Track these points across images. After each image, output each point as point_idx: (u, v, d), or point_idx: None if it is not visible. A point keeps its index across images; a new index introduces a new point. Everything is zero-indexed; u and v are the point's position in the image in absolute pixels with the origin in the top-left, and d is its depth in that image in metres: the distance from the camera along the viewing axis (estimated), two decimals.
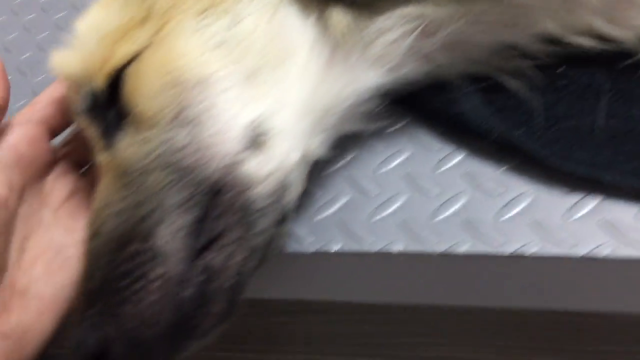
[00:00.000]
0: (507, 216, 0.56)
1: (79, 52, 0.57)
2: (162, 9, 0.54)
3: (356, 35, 0.56)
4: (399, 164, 0.63)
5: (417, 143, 0.63)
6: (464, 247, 0.55)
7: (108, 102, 0.56)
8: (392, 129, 0.65)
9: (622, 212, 0.53)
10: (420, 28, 0.56)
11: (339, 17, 0.55)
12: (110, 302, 0.50)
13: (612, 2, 0.56)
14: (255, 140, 0.53)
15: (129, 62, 0.54)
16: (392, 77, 0.59)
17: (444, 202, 0.58)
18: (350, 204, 0.61)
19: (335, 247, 0.59)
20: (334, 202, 0.62)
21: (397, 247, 0.57)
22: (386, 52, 0.57)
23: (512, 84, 0.60)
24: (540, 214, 0.55)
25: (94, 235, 0.53)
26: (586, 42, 0.58)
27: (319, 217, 0.61)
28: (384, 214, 0.60)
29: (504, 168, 0.59)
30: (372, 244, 0.58)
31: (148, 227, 0.51)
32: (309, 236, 0.60)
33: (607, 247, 0.51)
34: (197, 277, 0.50)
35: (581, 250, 0.52)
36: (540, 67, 0.59)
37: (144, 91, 0.53)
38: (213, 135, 0.52)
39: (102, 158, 0.57)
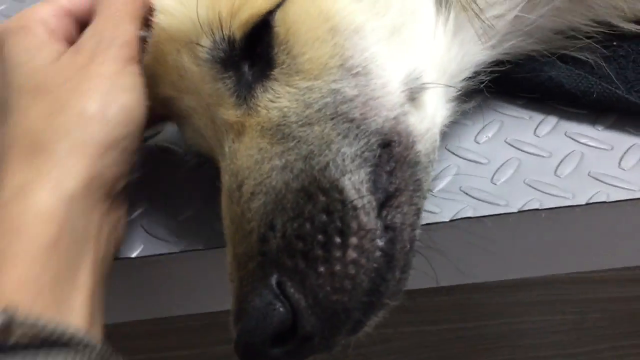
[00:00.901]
0: (631, 164, 0.57)
1: (185, 7, 0.50)
2: None
3: (469, 6, 0.56)
4: (496, 133, 0.62)
5: (505, 114, 0.63)
6: (604, 196, 0.55)
7: (244, 53, 0.50)
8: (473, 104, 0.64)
9: None
10: (522, 4, 0.57)
11: None
12: (295, 266, 0.43)
13: None
14: (413, 95, 0.52)
15: (274, 9, 0.49)
16: (495, 53, 0.60)
17: (562, 160, 0.59)
18: (465, 172, 0.59)
19: (469, 213, 0.56)
20: (447, 174, 0.59)
21: (534, 204, 0.56)
22: (494, 25, 0.57)
23: (582, 55, 0.63)
24: None
25: (251, 194, 0.46)
26: (634, 27, 0.63)
27: (441, 186, 0.58)
28: (505, 177, 0.58)
29: (601, 128, 0.61)
30: (510, 205, 0.56)
31: (331, 179, 0.46)
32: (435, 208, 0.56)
33: None
34: (385, 236, 0.46)
35: None
36: (598, 43, 0.64)
37: (302, 39, 0.49)
38: (380, 87, 0.50)
39: (231, 114, 0.50)
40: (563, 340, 0.93)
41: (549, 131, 0.62)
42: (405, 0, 0.53)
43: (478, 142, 0.61)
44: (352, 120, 0.48)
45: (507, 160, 0.59)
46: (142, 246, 0.57)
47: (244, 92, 0.50)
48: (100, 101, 0.49)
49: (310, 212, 0.45)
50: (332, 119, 0.48)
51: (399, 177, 0.48)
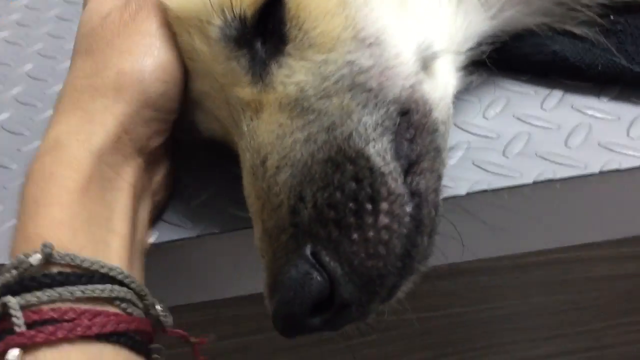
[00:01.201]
0: (638, 133, 0.58)
1: None
2: None
3: None
4: (504, 109, 0.62)
5: (511, 90, 0.64)
6: (616, 164, 0.56)
7: (256, 30, 0.50)
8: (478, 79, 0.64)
9: None
10: None
11: None
12: (329, 235, 0.43)
13: None
14: (425, 64, 0.52)
15: None
16: (496, 23, 0.60)
17: (571, 132, 0.59)
18: (476, 147, 0.59)
19: (484, 186, 0.56)
20: (458, 149, 0.59)
21: (547, 175, 0.56)
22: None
23: (581, 30, 0.64)
24: None
25: (277, 169, 0.46)
26: None
27: (453, 162, 0.58)
28: (517, 150, 0.58)
29: (606, 99, 0.62)
30: (524, 177, 0.56)
31: (357, 148, 0.46)
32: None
33: None
34: (412, 201, 0.46)
35: None
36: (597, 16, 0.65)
37: (314, 13, 0.49)
38: (394, 57, 0.50)
39: (247, 92, 0.50)
40: (563, 321, 0.93)
41: (556, 104, 0.62)
42: None
43: (487, 118, 0.62)
44: (369, 90, 0.48)
45: (517, 134, 0.60)
46: (157, 233, 0.56)
47: (259, 69, 0.50)
48: (137, 59, 0.51)
49: (340, 181, 0.45)
50: (350, 90, 0.48)
51: (419, 144, 0.49)
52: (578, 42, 0.64)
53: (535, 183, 0.56)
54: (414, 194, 0.47)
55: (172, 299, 0.53)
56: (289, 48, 0.49)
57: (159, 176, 0.56)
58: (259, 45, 0.50)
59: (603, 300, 0.95)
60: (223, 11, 0.49)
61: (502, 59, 0.64)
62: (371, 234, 0.43)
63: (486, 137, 0.60)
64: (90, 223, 0.47)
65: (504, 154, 0.58)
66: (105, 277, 0.45)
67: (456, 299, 0.91)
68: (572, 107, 0.62)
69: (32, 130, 0.72)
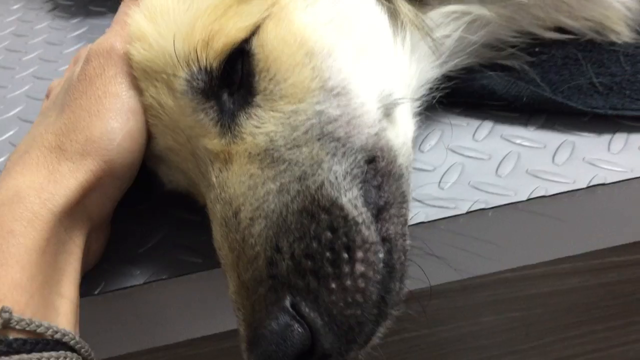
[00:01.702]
0: (563, 159, 0.62)
1: (165, 34, 0.51)
2: None
3: (421, 25, 0.59)
4: (438, 141, 0.65)
5: (444, 122, 0.67)
6: (543, 190, 0.59)
7: (222, 82, 0.51)
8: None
9: None
10: (465, 24, 0.62)
11: (404, 8, 0.59)
12: (307, 285, 0.44)
13: (570, 4, 0.68)
14: (387, 111, 0.54)
15: (249, 37, 0.50)
16: (445, 69, 0.64)
17: (501, 161, 0.62)
18: (413, 180, 0.62)
19: (421, 218, 0.58)
20: None
21: (480, 205, 0.59)
22: (443, 43, 0.61)
23: (510, 62, 0.68)
24: (583, 151, 0.62)
25: (250, 220, 0.47)
26: (553, 36, 0.69)
27: None
28: (452, 181, 0.61)
29: (533, 128, 0.65)
30: (458, 207, 0.59)
31: (330, 197, 0.47)
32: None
33: None
34: (384, 248, 0.48)
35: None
36: (522, 50, 0.69)
37: (284, 65, 0.50)
38: (360, 106, 0.52)
39: (216, 144, 0.51)
40: (513, 338, 0.96)
41: (487, 135, 0.65)
42: (366, 21, 0.56)
43: (422, 151, 0.65)
44: (338, 139, 0.50)
45: (452, 166, 0.63)
46: (103, 282, 0.57)
47: (227, 121, 0.51)
48: (106, 126, 0.52)
49: (316, 231, 0.46)
50: (319, 139, 0.49)
51: (386, 190, 0.50)
52: (504, 75, 0.67)
53: (469, 212, 0.58)
54: (385, 240, 0.48)
55: (122, 346, 0.54)
56: (258, 99, 0.51)
57: (100, 240, 0.57)
58: (225, 96, 0.51)
59: (549, 315, 0.98)
60: (189, 63, 0.50)
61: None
62: (349, 282, 0.44)
63: (422, 170, 0.63)
64: (44, 286, 0.47)
65: (439, 185, 0.61)
66: (58, 343, 0.45)
67: (409, 324, 0.93)
68: (501, 136, 0.65)
69: None
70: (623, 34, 0.69)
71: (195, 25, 0.50)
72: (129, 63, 0.53)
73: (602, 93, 0.66)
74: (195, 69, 0.50)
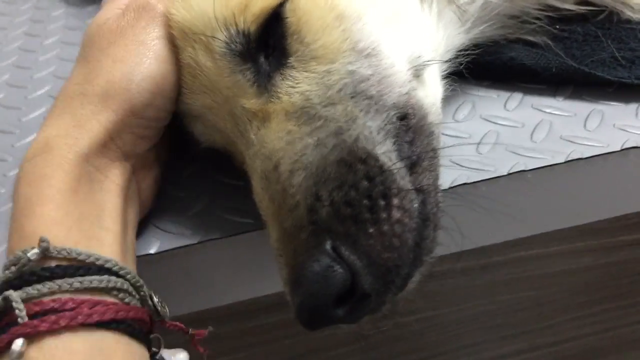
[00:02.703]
0: (594, 126, 0.64)
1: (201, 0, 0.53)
2: None
3: None
4: (471, 111, 0.67)
5: (475, 95, 0.69)
6: (579, 154, 0.61)
7: (259, 44, 0.52)
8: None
9: None
10: None
11: None
12: (347, 230, 0.46)
13: None
14: (417, 73, 0.56)
15: (283, 1, 0.52)
16: (470, 36, 0.66)
17: (535, 128, 0.65)
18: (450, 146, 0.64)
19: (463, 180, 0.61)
20: None
21: (519, 167, 0.61)
22: (467, 10, 0.63)
23: (534, 38, 0.70)
24: (613, 118, 0.65)
25: (290, 172, 0.49)
26: (574, 7, 0.71)
27: None
28: (488, 147, 0.63)
29: (561, 98, 0.68)
30: (498, 170, 0.61)
31: (365, 149, 0.49)
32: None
33: None
34: (418, 198, 0.49)
35: None
36: (544, 25, 0.71)
37: (314, 27, 0.52)
38: (390, 66, 0.54)
39: (253, 103, 0.52)
40: (526, 318, 0.98)
41: (517, 105, 0.68)
42: None
43: (457, 120, 0.67)
44: (370, 97, 0.52)
45: (487, 133, 0.65)
46: (158, 242, 0.58)
47: (264, 81, 0.52)
48: (127, 69, 0.53)
49: (353, 180, 0.47)
50: (353, 97, 0.51)
51: (418, 145, 0.52)
52: (531, 48, 0.70)
53: (509, 174, 0.60)
54: (419, 191, 0.50)
55: (176, 307, 0.55)
56: (292, 61, 0.52)
57: (148, 180, 0.58)
58: (262, 58, 0.53)
59: (562, 295, 1.01)
60: (227, 27, 0.52)
61: (465, 67, 0.69)
62: (386, 227, 0.46)
63: (459, 137, 0.65)
64: (83, 221, 0.49)
65: (477, 151, 0.63)
66: (102, 269, 0.47)
67: (426, 303, 0.95)
68: (532, 106, 0.67)
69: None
70: (638, 9, 0.72)
71: None
72: (161, 17, 0.55)
73: (624, 66, 0.69)
74: (233, 31, 0.52)
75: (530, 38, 0.70)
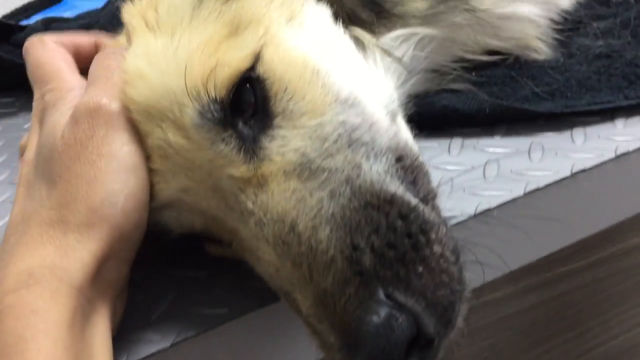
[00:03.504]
0: (539, 157, 0.66)
1: (166, 72, 0.50)
2: (254, 18, 0.54)
3: (380, 48, 0.63)
4: None
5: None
6: (540, 182, 0.62)
7: (234, 110, 0.50)
8: None
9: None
10: (415, 44, 0.66)
11: (362, 35, 0.63)
12: (397, 274, 0.44)
13: (492, 24, 0.75)
14: (392, 117, 0.58)
15: (253, 64, 0.51)
16: (405, 90, 0.67)
17: (484, 167, 0.65)
18: None
19: None
20: None
21: (484, 206, 0.61)
22: (402, 62, 0.65)
23: (456, 87, 0.73)
24: (553, 147, 0.67)
25: (313, 228, 0.46)
26: (486, 58, 0.75)
27: None
28: (446, 193, 0.63)
29: (499, 137, 0.69)
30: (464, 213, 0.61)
31: (386, 192, 0.48)
32: None
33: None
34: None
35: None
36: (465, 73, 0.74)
37: (298, 85, 0.51)
38: (373, 113, 0.55)
39: (244, 171, 0.50)
40: None
41: (460, 150, 0.68)
42: (342, 45, 0.60)
43: None
44: (366, 144, 0.51)
45: (440, 180, 0.64)
46: (126, 354, 0.51)
47: (251, 146, 0.50)
48: (105, 191, 0.49)
49: (387, 221, 0.46)
50: (349, 146, 0.51)
51: (420, 185, 0.52)
52: (460, 94, 0.71)
53: (475, 215, 0.60)
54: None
55: None
56: (278, 120, 0.51)
57: (121, 300, 0.53)
58: (240, 124, 0.50)
59: (515, 338, 1.01)
60: (197, 97, 0.49)
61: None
62: (433, 264, 0.44)
63: None
64: (79, 358, 0.44)
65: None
66: None
67: None
68: (474, 148, 0.68)
69: None
70: (541, 51, 0.76)
71: (192, 63, 0.50)
72: (119, 119, 0.51)
73: (547, 99, 0.71)
74: (205, 100, 0.49)
75: (454, 87, 0.72)
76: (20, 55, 0.91)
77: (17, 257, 0.47)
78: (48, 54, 0.57)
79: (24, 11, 1.11)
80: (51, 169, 0.50)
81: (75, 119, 0.51)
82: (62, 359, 0.43)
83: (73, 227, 0.48)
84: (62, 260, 0.47)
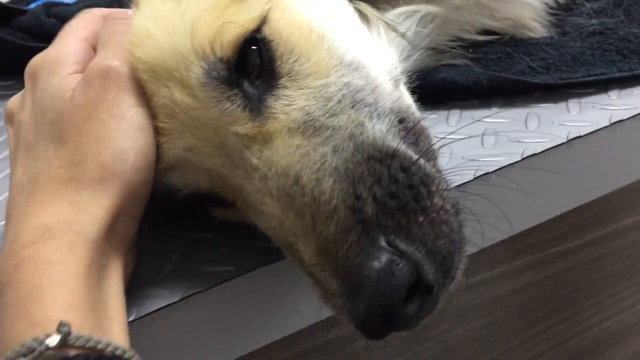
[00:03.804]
0: (535, 125, 0.67)
1: (173, 32, 0.51)
2: None
3: (385, 22, 0.65)
4: None
5: None
6: (536, 148, 0.64)
7: (239, 70, 0.52)
8: None
9: None
10: (417, 20, 0.68)
11: (368, 10, 0.65)
12: (398, 223, 0.45)
13: (489, 5, 0.77)
14: (395, 84, 0.60)
15: (259, 26, 0.52)
16: (411, 61, 0.69)
17: (482, 136, 0.67)
18: None
19: None
20: None
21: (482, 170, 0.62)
22: (405, 36, 0.67)
23: (454, 62, 0.74)
24: (549, 117, 0.68)
25: (317, 180, 0.48)
26: (482, 37, 0.77)
27: None
28: (445, 160, 0.64)
29: (496, 109, 0.71)
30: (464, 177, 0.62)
31: (389, 146, 0.50)
32: None
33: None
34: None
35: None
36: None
37: (304, 47, 0.53)
38: (376, 77, 0.57)
39: (249, 128, 0.51)
40: (483, 347, 0.98)
41: (458, 120, 0.70)
42: (348, 15, 0.62)
43: None
44: (369, 105, 0.53)
45: (439, 148, 0.65)
46: (135, 309, 0.52)
47: (256, 104, 0.51)
48: (116, 148, 0.50)
49: (389, 173, 0.47)
50: (353, 106, 0.52)
51: (421, 145, 0.54)
52: (458, 67, 0.73)
53: (475, 178, 0.61)
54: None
55: None
56: (283, 81, 0.52)
57: (131, 256, 0.54)
58: (246, 84, 0.52)
59: (512, 317, 1.02)
60: (204, 56, 0.50)
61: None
62: (433, 215, 0.46)
63: None
64: (94, 309, 0.45)
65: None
66: (121, 358, 0.43)
67: (378, 347, 0.92)
68: (472, 119, 0.70)
69: None
70: (537, 30, 0.78)
71: (199, 24, 0.51)
72: (128, 81, 0.52)
73: (542, 72, 0.73)
74: (212, 59, 0.51)
75: (452, 62, 0.73)
76: (21, 38, 0.94)
77: (31, 214, 0.48)
78: (80, 22, 0.58)
79: None
80: (59, 130, 0.51)
81: (86, 81, 0.52)
82: (78, 308, 0.44)
83: (85, 183, 0.49)
84: (76, 215, 0.48)
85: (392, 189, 0.46)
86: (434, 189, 0.47)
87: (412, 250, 0.44)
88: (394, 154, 0.49)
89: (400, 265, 0.42)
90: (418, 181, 0.47)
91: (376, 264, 0.42)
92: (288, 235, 0.48)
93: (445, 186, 0.49)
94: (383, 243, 0.44)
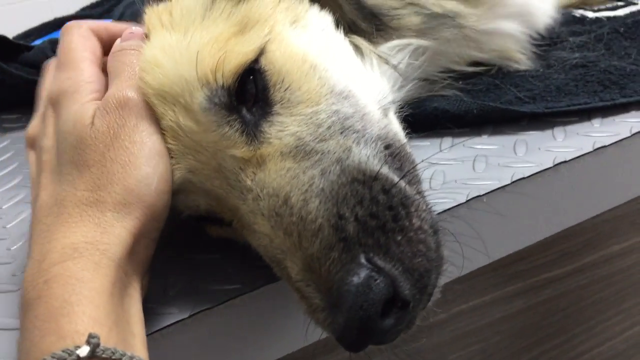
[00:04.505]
0: (523, 152, 0.71)
1: (179, 61, 0.55)
2: (261, 18, 0.59)
3: (378, 55, 0.69)
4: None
5: (411, 146, 0.74)
6: (525, 172, 0.67)
7: (238, 97, 0.55)
8: None
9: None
10: (410, 53, 0.72)
11: (362, 42, 0.69)
12: (377, 241, 0.48)
13: (477, 39, 0.81)
14: (384, 112, 0.63)
15: (257, 57, 0.56)
16: (403, 92, 0.73)
17: (474, 161, 0.70)
18: None
19: None
20: None
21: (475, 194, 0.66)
22: (397, 69, 0.71)
23: (447, 92, 0.78)
24: (536, 143, 0.72)
25: (304, 201, 0.51)
26: (471, 69, 0.81)
27: None
28: (440, 183, 0.68)
29: (486, 136, 0.75)
30: (457, 200, 0.65)
31: (372, 170, 0.53)
32: None
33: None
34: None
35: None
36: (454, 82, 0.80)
37: (295, 76, 0.57)
38: (365, 106, 0.60)
39: (245, 151, 0.54)
40: None
41: (450, 147, 0.73)
42: (342, 48, 0.66)
43: None
44: (357, 131, 0.56)
45: (434, 172, 0.69)
46: (147, 326, 0.54)
47: (252, 130, 0.55)
48: (140, 173, 0.53)
49: (371, 194, 0.50)
50: (342, 132, 0.56)
51: (405, 171, 0.56)
52: (449, 97, 0.77)
53: (467, 201, 0.64)
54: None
55: None
56: (277, 108, 0.56)
57: (146, 279, 0.57)
58: (244, 110, 0.55)
59: (505, 342, 1.04)
60: (207, 84, 0.54)
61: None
62: (411, 234, 0.49)
63: None
64: (118, 324, 0.48)
65: (430, 188, 0.66)
66: None
67: None
68: (464, 145, 0.73)
69: None
70: (522, 62, 0.83)
71: (203, 54, 0.55)
72: (147, 111, 0.56)
73: (529, 102, 0.77)
74: (214, 87, 0.54)
75: (443, 93, 0.77)
76: (28, 72, 0.97)
77: (58, 234, 0.50)
78: (79, 40, 0.61)
79: (37, 32, 1.16)
80: (81, 154, 0.54)
81: (106, 109, 0.55)
82: (104, 323, 0.46)
83: (110, 206, 0.52)
84: (102, 236, 0.51)
85: (373, 210, 0.49)
86: (412, 210, 0.50)
87: (390, 267, 0.46)
88: (376, 177, 0.52)
89: (378, 281, 0.45)
90: (398, 202, 0.50)
91: (355, 280, 0.45)
92: (277, 253, 0.51)
93: (424, 207, 0.52)
94: (363, 260, 0.47)
